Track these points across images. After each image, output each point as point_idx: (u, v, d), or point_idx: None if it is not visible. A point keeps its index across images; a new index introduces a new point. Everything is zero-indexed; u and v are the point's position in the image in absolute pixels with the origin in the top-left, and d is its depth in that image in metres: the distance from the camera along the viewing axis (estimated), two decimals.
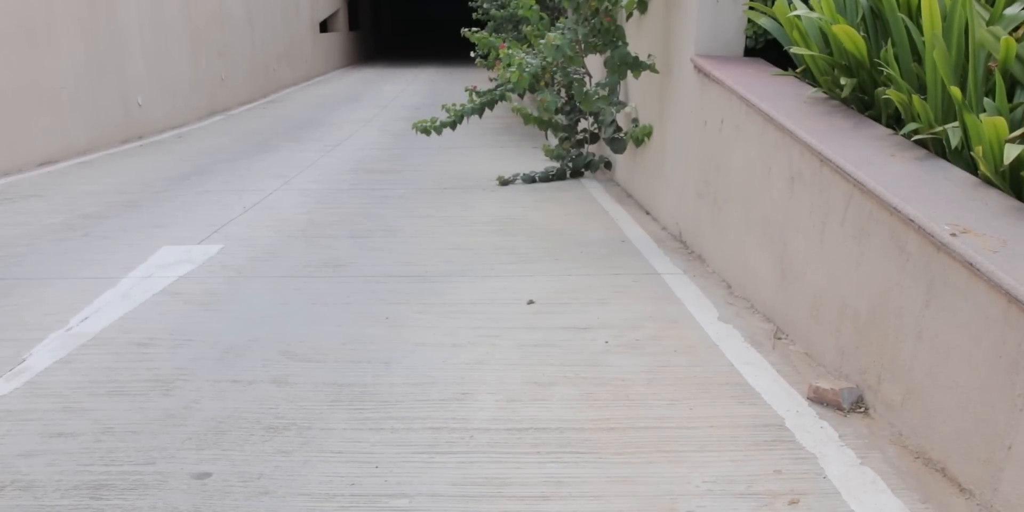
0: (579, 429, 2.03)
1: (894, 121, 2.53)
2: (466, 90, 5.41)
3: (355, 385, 2.30)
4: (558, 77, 5.05)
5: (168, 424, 2.07)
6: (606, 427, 2.04)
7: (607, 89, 4.66)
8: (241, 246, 3.80)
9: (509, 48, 5.34)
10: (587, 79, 5.20)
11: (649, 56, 4.28)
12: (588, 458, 1.89)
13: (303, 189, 5.22)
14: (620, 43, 4.54)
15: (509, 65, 4.94)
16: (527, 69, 4.78)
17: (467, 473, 1.83)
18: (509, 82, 4.91)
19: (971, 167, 2.12)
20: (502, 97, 5.32)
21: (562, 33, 4.79)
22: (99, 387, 2.29)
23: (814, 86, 2.97)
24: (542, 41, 4.83)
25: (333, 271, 3.42)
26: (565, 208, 4.58)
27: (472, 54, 6.83)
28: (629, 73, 4.45)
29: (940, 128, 2.19)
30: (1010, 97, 2.15)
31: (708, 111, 3.42)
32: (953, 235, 1.77)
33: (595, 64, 5.29)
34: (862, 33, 2.64)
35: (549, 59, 4.71)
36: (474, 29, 6.25)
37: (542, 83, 4.98)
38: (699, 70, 3.49)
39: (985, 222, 1.82)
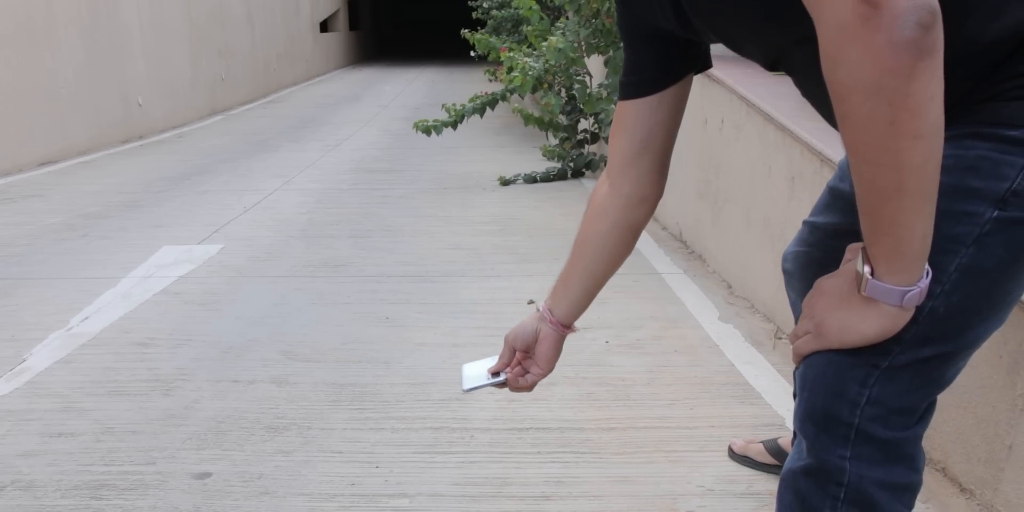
0: (579, 429, 2.03)
1: None
2: (470, 100, 5.41)
3: (355, 385, 2.30)
4: (559, 78, 5.05)
5: (168, 424, 2.07)
6: (606, 427, 2.04)
7: (608, 90, 4.66)
8: (241, 246, 3.81)
9: (511, 51, 5.34)
10: (588, 79, 5.20)
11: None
12: (588, 458, 1.89)
13: (303, 189, 5.22)
14: (621, 44, 4.53)
15: (511, 69, 4.95)
16: (530, 72, 4.78)
17: (467, 473, 1.83)
18: (512, 84, 4.92)
19: None
20: (502, 97, 5.32)
21: (563, 35, 4.79)
22: (99, 387, 2.29)
23: None
24: (544, 43, 4.83)
25: (333, 271, 3.42)
26: (566, 208, 4.58)
27: (472, 54, 6.84)
28: None
29: None
30: None
31: (708, 111, 3.42)
32: None
33: (595, 64, 5.29)
34: None
35: (551, 62, 4.71)
36: (475, 29, 6.25)
37: (544, 85, 4.99)
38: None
39: None
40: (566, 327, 1.20)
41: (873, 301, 0.81)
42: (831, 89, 0.73)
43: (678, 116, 1.10)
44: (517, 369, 1.20)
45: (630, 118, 1.10)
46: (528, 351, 1.20)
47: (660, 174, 1.13)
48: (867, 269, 0.80)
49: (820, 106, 0.98)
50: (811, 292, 0.90)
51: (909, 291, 0.80)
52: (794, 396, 1.07)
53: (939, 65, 0.70)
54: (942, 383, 0.92)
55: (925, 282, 0.80)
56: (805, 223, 1.35)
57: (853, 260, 0.86)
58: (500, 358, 1.21)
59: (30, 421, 2.09)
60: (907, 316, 0.82)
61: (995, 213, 0.81)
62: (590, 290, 1.19)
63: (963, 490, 1.69)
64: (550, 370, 1.20)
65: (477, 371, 1.22)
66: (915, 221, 0.76)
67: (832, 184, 1.28)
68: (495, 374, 1.21)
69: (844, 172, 1.24)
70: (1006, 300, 0.88)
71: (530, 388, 1.21)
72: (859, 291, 0.82)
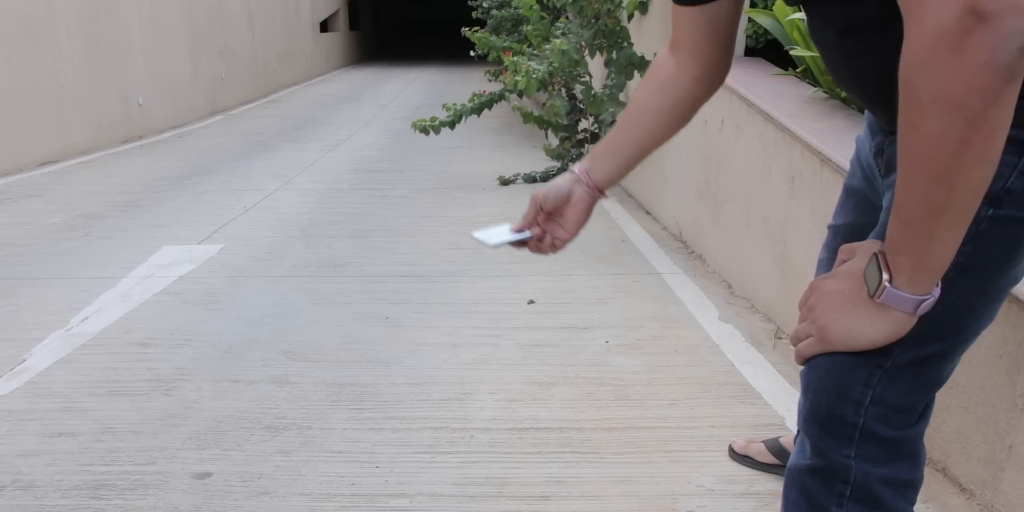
0: (579, 429, 2.03)
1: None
2: (472, 98, 5.41)
3: (355, 385, 2.30)
4: (560, 78, 5.05)
5: (168, 424, 2.07)
6: (606, 427, 2.04)
7: (612, 90, 4.65)
8: (241, 246, 3.80)
9: (514, 55, 5.33)
10: (588, 79, 5.19)
11: (655, 55, 4.28)
12: (589, 458, 1.89)
13: (303, 189, 5.22)
14: (625, 44, 4.53)
15: (516, 72, 4.94)
16: (534, 75, 4.78)
17: (467, 473, 1.83)
18: (516, 86, 4.91)
19: None
20: (501, 97, 5.31)
21: (565, 35, 4.78)
22: (99, 387, 2.29)
23: (814, 86, 2.97)
24: (547, 46, 4.83)
25: (333, 271, 3.42)
26: None
27: (472, 53, 6.83)
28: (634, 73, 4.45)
29: None
30: None
31: (708, 111, 3.42)
32: None
33: (595, 65, 5.29)
34: None
35: (555, 64, 4.71)
36: (474, 29, 6.25)
37: (549, 89, 4.99)
38: None
39: None
40: (601, 192, 1.18)
41: (883, 307, 0.82)
42: (908, 92, 0.71)
43: (740, 5, 1.08)
44: (537, 230, 1.21)
45: (687, 14, 1.08)
46: (554, 213, 1.19)
47: (728, 52, 1.11)
48: (886, 276, 0.80)
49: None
50: (808, 293, 0.90)
51: (924, 300, 0.80)
52: None
53: (1017, 90, 0.68)
54: (940, 380, 0.93)
55: (938, 291, 0.81)
56: (828, 227, 1.34)
57: (850, 261, 0.87)
58: (524, 217, 1.20)
59: (30, 421, 2.09)
60: (914, 321, 0.83)
61: (990, 211, 0.81)
62: (635, 159, 1.19)
63: (963, 490, 1.69)
64: (576, 235, 1.20)
65: (494, 233, 1.22)
66: (952, 237, 0.76)
67: (846, 182, 1.28)
68: (518, 232, 1.21)
69: (853, 168, 1.23)
70: (1000, 296, 0.89)
71: (554, 250, 1.22)
72: (872, 297, 0.82)
